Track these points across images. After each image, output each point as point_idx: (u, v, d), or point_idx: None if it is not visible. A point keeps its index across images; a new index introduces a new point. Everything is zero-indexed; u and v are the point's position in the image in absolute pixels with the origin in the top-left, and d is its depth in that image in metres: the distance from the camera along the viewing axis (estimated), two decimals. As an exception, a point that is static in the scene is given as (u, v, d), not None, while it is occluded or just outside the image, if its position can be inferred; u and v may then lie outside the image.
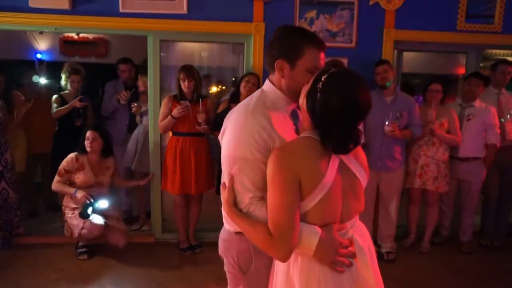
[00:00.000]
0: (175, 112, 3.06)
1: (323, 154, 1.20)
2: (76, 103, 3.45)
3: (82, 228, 3.01)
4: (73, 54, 5.53)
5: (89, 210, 3.01)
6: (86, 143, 3.12)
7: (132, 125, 3.71)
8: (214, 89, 5.51)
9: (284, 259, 1.20)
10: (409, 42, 3.52)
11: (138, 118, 3.63)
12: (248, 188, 1.32)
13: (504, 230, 3.62)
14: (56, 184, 3.12)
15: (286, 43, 1.33)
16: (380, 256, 3.24)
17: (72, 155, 3.15)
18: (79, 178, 3.12)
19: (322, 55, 1.35)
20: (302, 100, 1.26)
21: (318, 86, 1.19)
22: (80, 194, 3.03)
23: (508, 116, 3.48)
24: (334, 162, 1.22)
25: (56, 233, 3.50)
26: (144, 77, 3.57)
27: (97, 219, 3.05)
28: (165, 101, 3.20)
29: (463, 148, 3.30)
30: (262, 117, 1.31)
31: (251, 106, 1.36)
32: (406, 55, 4.52)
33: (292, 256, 1.23)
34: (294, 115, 1.43)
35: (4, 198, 3.26)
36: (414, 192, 3.39)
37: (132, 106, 3.53)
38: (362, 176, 1.30)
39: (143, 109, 3.56)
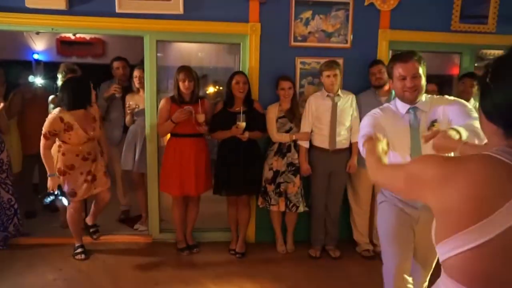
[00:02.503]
0: (176, 116, 3.04)
1: (506, 182, 0.82)
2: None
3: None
4: (70, 54, 5.52)
5: (48, 200, 2.95)
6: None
7: (127, 126, 3.70)
8: (211, 89, 5.54)
9: None
10: (404, 42, 3.54)
11: (128, 119, 3.60)
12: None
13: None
14: (45, 151, 2.92)
15: (387, 69, 2.04)
16: (377, 255, 3.27)
17: (55, 116, 2.90)
18: (70, 139, 2.95)
19: (406, 65, 1.88)
20: (480, 115, 0.96)
21: (487, 81, 0.89)
22: (51, 182, 2.92)
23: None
24: None
25: (54, 233, 3.52)
26: (140, 70, 3.52)
27: (64, 202, 3.00)
28: (163, 104, 3.18)
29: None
30: (379, 110, 2.02)
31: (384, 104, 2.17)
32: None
33: None
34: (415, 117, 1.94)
35: None
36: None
37: (127, 106, 3.53)
38: None
39: (136, 109, 3.54)
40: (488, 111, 0.90)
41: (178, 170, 3.14)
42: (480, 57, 5.44)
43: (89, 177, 3.07)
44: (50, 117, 2.92)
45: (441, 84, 3.50)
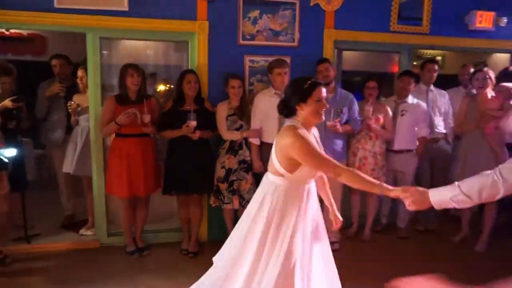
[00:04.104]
0: (120, 119, 2.95)
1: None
2: (8, 103, 3.22)
3: None
4: (4, 51, 5.14)
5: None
6: None
7: (71, 127, 3.53)
8: (161, 87, 5.43)
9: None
10: (347, 42, 3.71)
11: (73, 118, 3.46)
12: None
13: (435, 215, 3.94)
14: None
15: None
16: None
17: None
18: None
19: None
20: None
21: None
22: None
23: (437, 111, 3.79)
24: None
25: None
26: (83, 69, 3.38)
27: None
28: (106, 103, 3.08)
29: (397, 141, 3.54)
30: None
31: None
32: (347, 54, 4.74)
33: None
34: None
35: None
36: (355, 184, 3.58)
37: (68, 104, 3.37)
38: None
39: (79, 109, 3.39)
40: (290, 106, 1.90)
41: (126, 170, 3.04)
42: (419, 56, 5.82)
43: None
44: None
45: (383, 81, 3.70)
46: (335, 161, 1.83)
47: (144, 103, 3.00)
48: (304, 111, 1.87)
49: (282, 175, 1.88)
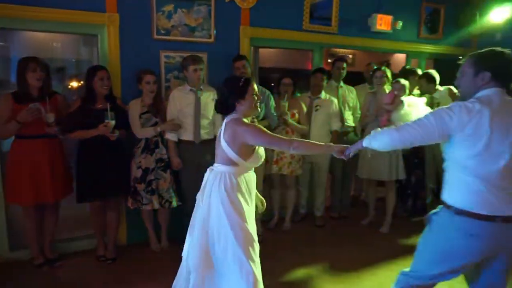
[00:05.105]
0: (22, 116, 2.65)
1: None
2: None
3: None
4: None
5: None
6: None
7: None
8: (73, 84, 5.03)
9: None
10: (263, 39, 3.80)
11: None
12: None
13: (348, 202, 4.27)
14: None
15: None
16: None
17: None
18: None
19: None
20: None
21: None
22: None
23: (347, 106, 4.09)
24: None
25: None
26: None
27: None
28: (2, 102, 2.75)
29: (312, 135, 3.74)
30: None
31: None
32: (264, 50, 4.86)
33: None
34: None
35: None
36: (273, 178, 3.72)
37: None
38: None
39: None
40: (230, 104, 2.09)
41: (29, 175, 2.77)
42: (332, 54, 6.20)
43: None
44: None
45: (299, 77, 3.87)
46: (283, 136, 2.35)
47: (46, 100, 2.75)
48: (243, 106, 2.05)
49: (235, 164, 2.02)
